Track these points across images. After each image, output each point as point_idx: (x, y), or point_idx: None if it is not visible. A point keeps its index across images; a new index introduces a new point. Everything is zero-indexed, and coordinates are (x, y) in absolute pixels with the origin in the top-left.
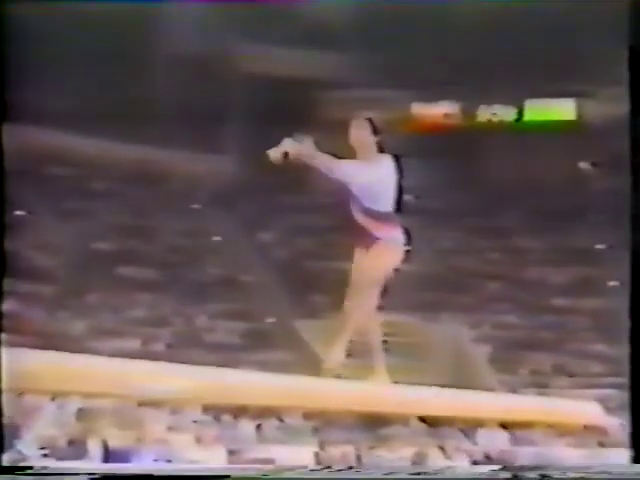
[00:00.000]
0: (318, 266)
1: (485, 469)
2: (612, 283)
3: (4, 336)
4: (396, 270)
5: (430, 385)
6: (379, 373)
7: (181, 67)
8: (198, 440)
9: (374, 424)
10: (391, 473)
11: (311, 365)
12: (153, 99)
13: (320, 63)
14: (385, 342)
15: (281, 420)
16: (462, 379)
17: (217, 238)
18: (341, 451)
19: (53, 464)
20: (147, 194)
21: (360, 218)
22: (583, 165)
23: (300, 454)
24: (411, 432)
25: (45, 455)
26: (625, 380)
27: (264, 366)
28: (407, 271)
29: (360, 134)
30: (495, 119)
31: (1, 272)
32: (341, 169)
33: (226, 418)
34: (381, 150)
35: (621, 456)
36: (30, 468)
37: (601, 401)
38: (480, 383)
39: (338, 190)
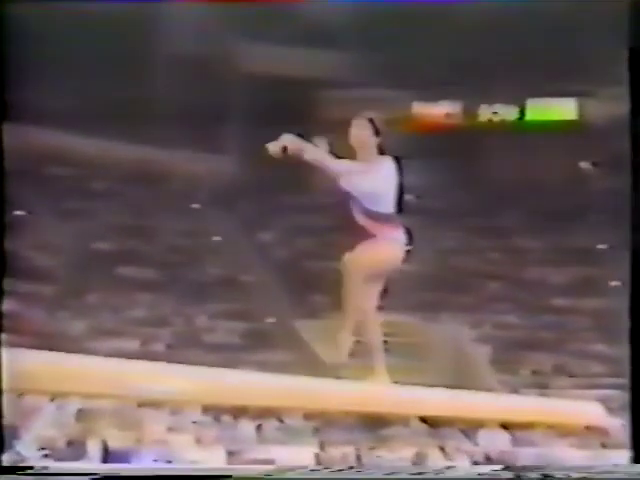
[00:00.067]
0: (318, 266)
1: (486, 469)
2: (614, 283)
3: (3, 336)
4: (396, 270)
5: (430, 385)
6: (379, 373)
7: (181, 67)
8: (198, 441)
9: (374, 424)
10: (392, 473)
11: (311, 365)
12: (153, 99)
13: (320, 63)
14: (385, 342)
15: (281, 421)
16: (462, 379)
17: (217, 238)
18: (341, 452)
19: (53, 465)
20: (147, 194)
21: (361, 219)
22: (584, 165)
23: (300, 455)
24: (411, 432)
25: (44, 456)
26: (626, 380)
27: (264, 366)
28: (407, 271)
29: (361, 134)
30: (496, 119)
31: (1, 272)
32: (341, 171)
33: (226, 419)
34: (382, 151)
35: (623, 457)
36: (31, 468)
37: (602, 401)
38: (480, 383)
39: (338, 190)
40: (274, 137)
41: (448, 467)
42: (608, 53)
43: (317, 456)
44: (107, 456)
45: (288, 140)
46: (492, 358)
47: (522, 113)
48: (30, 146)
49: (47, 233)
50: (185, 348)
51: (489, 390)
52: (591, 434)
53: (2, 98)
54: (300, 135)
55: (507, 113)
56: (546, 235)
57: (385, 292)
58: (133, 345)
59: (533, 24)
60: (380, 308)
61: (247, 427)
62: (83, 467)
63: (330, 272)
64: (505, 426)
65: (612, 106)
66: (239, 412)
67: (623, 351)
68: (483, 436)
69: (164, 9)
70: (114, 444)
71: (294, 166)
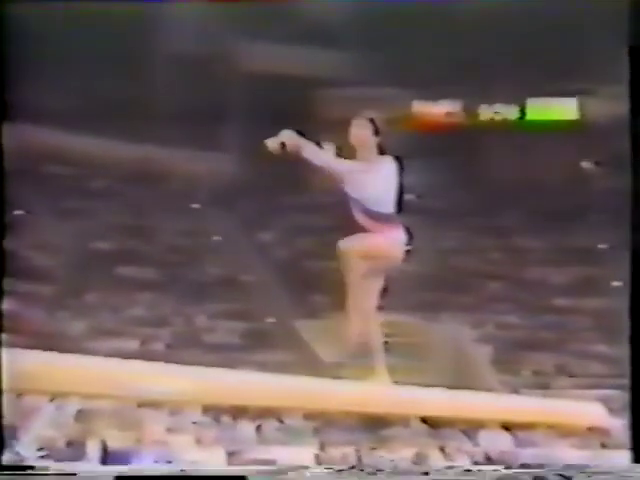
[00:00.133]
0: (318, 266)
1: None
2: (615, 283)
3: (3, 336)
4: (396, 270)
5: (431, 386)
6: (380, 373)
7: (181, 66)
8: (198, 441)
9: (375, 425)
10: (393, 473)
11: (311, 365)
12: (153, 98)
13: (321, 61)
14: (386, 342)
15: (281, 421)
16: (463, 379)
17: (217, 238)
18: (342, 452)
19: (52, 465)
20: (147, 193)
21: (360, 218)
22: (586, 164)
23: (300, 455)
24: (412, 433)
25: (44, 456)
26: (627, 381)
27: (264, 366)
28: (408, 271)
29: (361, 134)
30: (497, 118)
31: (0, 272)
32: (341, 170)
33: (226, 419)
34: (382, 150)
35: (624, 457)
36: (31, 468)
37: (604, 402)
38: (481, 383)
39: (339, 190)
40: (274, 136)
41: (467, 470)
42: (608, 52)
43: (317, 456)
44: (107, 456)
45: (287, 136)
46: (493, 358)
47: (523, 112)
48: (30, 145)
49: (46, 233)
50: (185, 348)
51: (490, 390)
52: (592, 434)
53: (2, 97)
54: (300, 133)
55: (508, 112)
56: (547, 235)
57: (385, 292)
58: (133, 345)
59: (533, 23)
60: (380, 308)
61: (247, 427)
62: (83, 467)
63: (330, 272)
64: (506, 426)
65: (613, 105)
66: (239, 412)
67: (625, 351)
68: (484, 437)
69: (164, 8)
70: (114, 444)
71: (295, 165)
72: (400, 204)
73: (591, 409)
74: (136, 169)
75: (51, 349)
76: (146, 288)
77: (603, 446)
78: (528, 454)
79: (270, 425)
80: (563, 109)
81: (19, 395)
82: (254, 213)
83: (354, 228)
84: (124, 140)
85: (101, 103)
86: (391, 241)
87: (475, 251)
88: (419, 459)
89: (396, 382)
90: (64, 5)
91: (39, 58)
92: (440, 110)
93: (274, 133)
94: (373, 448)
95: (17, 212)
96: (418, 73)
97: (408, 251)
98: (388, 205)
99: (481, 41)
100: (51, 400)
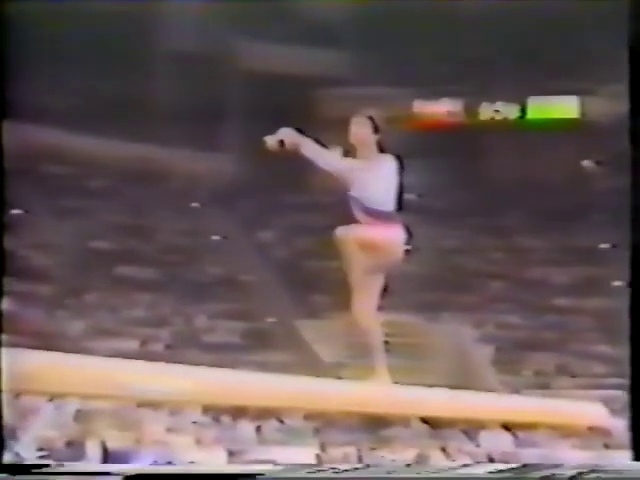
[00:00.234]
0: (318, 266)
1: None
2: (617, 283)
3: (2, 336)
4: (397, 270)
5: (432, 386)
6: (380, 374)
7: (181, 66)
8: (198, 441)
9: (375, 425)
10: (394, 472)
11: (311, 365)
12: (152, 98)
13: (321, 61)
14: (386, 342)
15: (281, 421)
16: (464, 380)
17: (217, 237)
18: (342, 452)
19: (52, 465)
20: (146, 193)
21: (360, 217)
22: (587, 164)
23: (301, 455)
24: (413, 433)
25: (43, 457)
26: (627, 381)
27: (264, 366)
28: (409, 271)
29: (360, 132)
30: (498, 117)
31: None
32: (340, 168)
33: (226, 419)
34: (382, 149)
35: (625, 457)
36: (31, 468)
37: (605, 402)
38: (482, 384)
39: (338, 189)
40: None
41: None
42: (609, 52)
43: (318, 457)
44: (106, 457)
45: (286, 134)
46: (494, 358)
47: (523, 111)
48: (29, 145)
49: (46, 232)
50: (185, 348)
51: (491, 390)
52: (594, 435)
53: (2, 97)
54: (299, 131)
55: (508, 111)
56: (548, 234)
57: (386, 292)
58: (132, 345)
59: (534, 23)
60: (381, 308)
61: (247, 428)
62: (82, 467)
63: (331, 272)
64: (507, 427)
65: (614, 104)
66: (239, 413)
67: (626, 351)
68: (485, 437)
69: (164, 8)
70: (113, 445)
71: (295, 165)
72: (400, 203)
73: (592, 409)
74: (136, 168)
75: (51, 349)
76: (146, 288)
77: (605, 446)
78: (529, 454)
79: (270, 425)
80: (564, 108)
81: (18, 395)
82: (254, 212)
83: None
84: (124, 139)
85: (101, 103)
86: (390, 237)
87: (476, 251)
88: (420, 459)
89: (397, 382)
90: (64, 5)
91: (39, 58)
92: (441, 109)
93: (274, 133)
94: (374, 448)
95: (16, 211)
96: (419, 72)
97: (409, 251)
98: (388, 204)
99: (482, 41)
100: (50, 400)
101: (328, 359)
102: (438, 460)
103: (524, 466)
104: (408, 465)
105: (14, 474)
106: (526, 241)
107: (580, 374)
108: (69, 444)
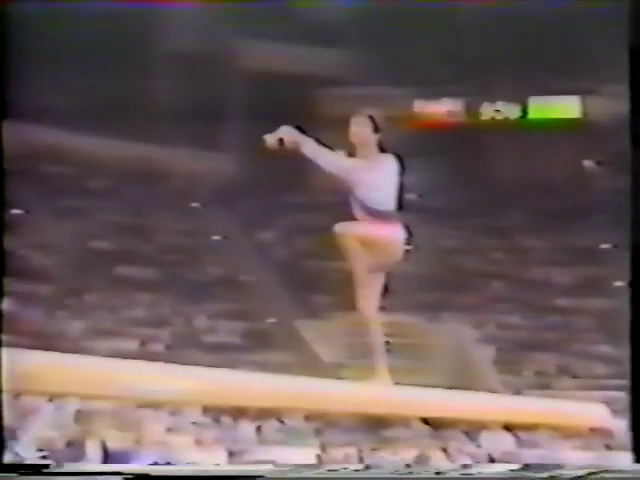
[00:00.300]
0: (319, 266)
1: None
2: (618, 283)
3: (2, 336)
4: (398, 270)
5: (433, 386)
6: (381, 374)
7: (181, 65)
8: (198, 442)
9: (376, 426)
10: (395, 472)
11: (312, 366)
12: (153, 97)
13: (321, 60)
14: (387, 343)
15: (282, 422)
16: (465, 380)
17: (217, 237)
18: (343, 453)
19: (51, 466)
20: (146, 192)
21: (361, 216)
22: (588, 164)
23: (301, 456)
24: (413, 434)
25: (43, 457)
26: (627, 381)
27: (264, 366)
28: (409, 271)
29: (360, 131)
30: (499, 117)
31: None
32: (341, 167)
33: (226, 419)
34: (382, 148)
35: (627, 458)
36: (31, 468)
37: (607, 403)
38: (483, 384)
39: (339, 189)
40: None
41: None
42: (610, 51)
43: (318, 457)
44: (106, 457)
45: (285, 132)
46: (495, 359)
47: (524, 111)
48: (29, 144)
49: (45, 232)
50: (185, 348)
51: (492, 391)
52: (595, 436)
53: (2, 96)
54: (299, 129)
55: (509, 111)
56: (549, 235)
57: (387, 292)
58: (132, 345)
59: (535, 23)
60: (382, 308)
61: (247, 428)
62: (82, 467)
63: (331, 272)
64: (508, 427)
65: (615, 104)
66: (239, 413)
67: (627, 352)
68: (486, 437)
69: (164, 8)
70: (113, 445)
71: (295, 165)
72: (400, 203)
73: (594, 410)
74: (136, 168)
75: (51, 349)
76: (146, 288)
77: (606, 447)
78: (531, 455)
79: (271, 426)
80: (565, 108)
81: (18, 395)
82: (254, 212)
83: None
84: (124, 139)
85: (101, 103)
86: (390, 236)
87: (477, 251)
88: (421, 460)
89: (397, 382)
90: (64, 4)
91: (39, 58)
92: (442, 109)
93: (274, 132)
94: (374, 449)
95: (16, 211)
96: (419, 72)
97: (409, 251)
98: (388, 203)
99: (483, 40)
100: (50, 400)
101: (328, 359)
102: (439, 461)
103: (525, 467)
104: (408, 465)
105: (14, 474)
106: (527, 241)
107: (582, 375)
108: (69, 444)
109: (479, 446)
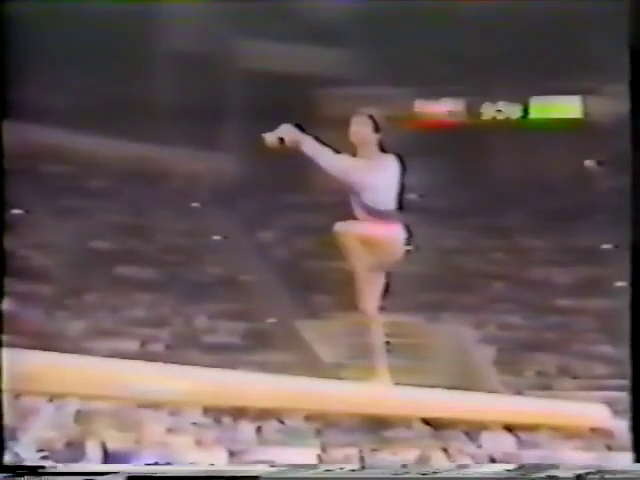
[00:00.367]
0: (319, 266)
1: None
2: (619, 283)
3: (2, 336)
4: (398, 270)
5: (433, 386)
6: (381, 374)
7: (181, 65)
8: (198, 442)
9: (376, 426)
10: (392, 472)
11: (312, 366)
12: (153, 97)
13: (322, 60)
14: (387, 343)
15: (282, 422)
16: (465, 380)
17: (217, 237)
18: (343, 453)
19: (51, 466)
20: (146, 192)
21: (361, 216)
22: (589, 163)
23: (302, 456)
24: (414, 434)
25: (43, 457)
26: (628, 381)
27: (264, 367)
28: (409, 271)
29: (361, 131)
30: (500, 117)
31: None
32: (341, 166)
33: (226, 420)
34: (383, 148)
35: (628, 459)
36: (31, 468)
37: (608, 403)
38: (484, 384)
39: (339, 189)
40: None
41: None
42: (611, 51)
43: (319, 458)
44: (106, 457)
45: (285, 131)
46: (495, 359)
47: (526, 111)
48: (29, 144)
49: (46, 232)
50: (185, 349)
51: (492, 391)
52: (596, 436)
53: (2, 96)
54: (300, 128)
55: (510, 111)
56: (550, 234)
57: (387, 292)
58: (132, 346)
59: (535, 21)
60: (382, 309)
61: (247, 428)
62: (82, 468)
63: (331, 272)
64: (509, 428)
65: (616, 104)
66: (239, 413)
67: (628, 352)
68: (486, 438)
69: (163, 7)
70: (113, 445)
71: (295, 164)
72: (401, 203)
73: (595, 410)
74: (136, 168)
75: (51, 349)
76: (146, 288)
77: (607, 448)
78: (531, 456)
79: (271, 426)
80: (566, 107)
81: (18, 396)
82: (254, 212)
83: None
84: (124, 139)
85: (101, 102)
86: (390, 236)
87: (477, 251)
88: (421, 460)
89: (398, 383)
90: (64, 4)
91: (39, 57)
92: (442, 109)
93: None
94: (375, 449)
95: (16, 211)
96: (420, 72)
97: (409, 251)
98: (389, 203)
99: (483, 40)
100: (50, 401)
101: (329, 359)
102: (439, 461)
103: (522, 467)
104: (404, 466)
105: (14, 475)
106: (527, 241)
107: (582, 375)
108: (69, 445)
109: (480, 446)
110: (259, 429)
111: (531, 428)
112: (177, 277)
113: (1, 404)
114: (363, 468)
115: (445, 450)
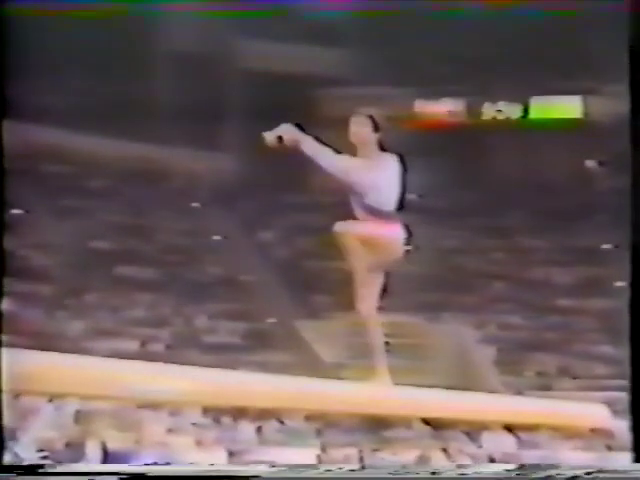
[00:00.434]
0: (319, 266)
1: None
2: (619, 284)
3: (1, 336)
4: (397, 269)
5: (433, 386)
6: (381, 374)
7: (181, 65)
8: (198, 442)
9: (376, 426)
10: (391, 472)
11: (312, 366)
12: (152, 97)
13: (322, 60)
14: (387, 343)
15: (282, 422)
16: (465, 380)
17: (217, 237)
18: (343, 453)
19: (51, 466)
20: (146, 192)
21: (361, 216)
22: (590, 164)
23: (302, 456)
24: (414, 434)
25: (43, 458)
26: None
27: (264, 367)
28: (410, 271)
29: (360, 131)
30: (500, 117)
31: None
32: (341, 166)
33: (226, 420)
34: (383, 147)
35: (628, 459)
36: (31, 469)
37: (608, 404)
38: (484, 384)
39: (339, 189)
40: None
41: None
42: (610, 51)
43: (319, 458)
44: (106, 457)
45: (285, 130)
46: (496, 359)
47: (526, 111)
48: (29, 144)
49: (45, 232)
50: (185, 348)
51: (492, 391)
52: (596, 436)
53: (2, 96)
54: (299, 127)
55: (511, 111)
56: (550, 235)
57: (387, 292)
58: (132, 346)
59: (536, 23)
60: (382, 308)
61: (247, 429)
62: (82, 468)
63: (331, 272)
64: (509, 428)
65: (616, 104)
66: (239, 413)
67: (628, 352)
68: (487, 438)
69: (164, 8)
70: (113, 445)
71: (295, 165)
72: (401, 203)
73: (594, 411)
74: (136, 168)
75: (50, 349)
76: (146, 288)
77: (607, 448)
78: (531, 456)
79: (271, 426)
80: (566, 107)
81: (18, 396)
82: (254, 212)
83: None
84: (124, 139)
85: (101, 102)
86: (390, 236)
87: (477, 251)
88: (421, 461)
89: (398, 383)
90: (64, 4)
91: (39, 58)
92: (442, 109)
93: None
94: (375, 449)
95: (16, 211)
96: (420, 72)
97: (409, 251)
98: (389, 202)
99: (483, 40)
100: (50, 401)
101: (329, 360)
102: (439, 461)
103: (526, 467)
104: (404, 466)
105: (14, 475)
106: (528, 241)
107: (582, 375)
108: (69, 445)
109: (480, 447)
110: (259, 429)
111: (531, 428)
112: (177, 277)
113: (1, 404)
114: (363, 468)
115: (445, 450)
